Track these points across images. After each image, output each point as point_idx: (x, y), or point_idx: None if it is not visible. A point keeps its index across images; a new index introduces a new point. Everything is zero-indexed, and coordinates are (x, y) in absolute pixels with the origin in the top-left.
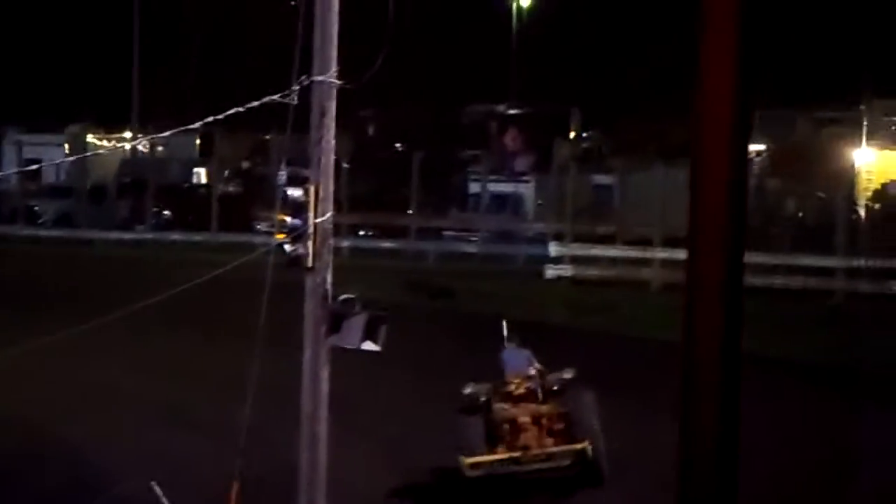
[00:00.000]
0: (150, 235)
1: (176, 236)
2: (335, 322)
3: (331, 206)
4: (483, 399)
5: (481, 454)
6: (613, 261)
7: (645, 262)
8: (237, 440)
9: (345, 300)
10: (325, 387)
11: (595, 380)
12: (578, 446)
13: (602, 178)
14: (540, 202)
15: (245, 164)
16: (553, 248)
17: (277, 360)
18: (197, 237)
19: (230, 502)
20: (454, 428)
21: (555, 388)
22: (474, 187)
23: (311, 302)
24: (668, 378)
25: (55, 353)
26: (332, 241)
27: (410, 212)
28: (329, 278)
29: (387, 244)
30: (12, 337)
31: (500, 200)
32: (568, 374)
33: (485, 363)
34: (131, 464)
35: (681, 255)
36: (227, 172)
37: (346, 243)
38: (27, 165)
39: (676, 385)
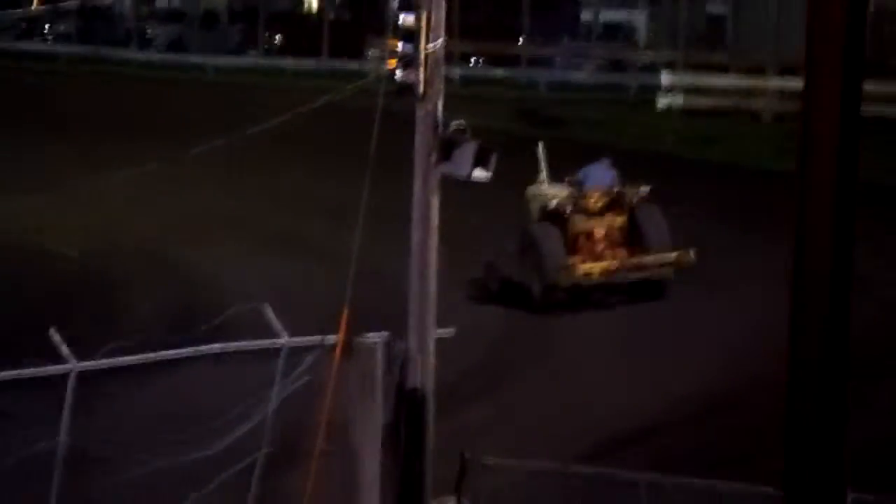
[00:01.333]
0: (261, 61)
1: (287, 63)
2: (445, 150)
3: (442, 33)
4: (567, 210)
5: (562, 262)
6: (725, 90)
7: (758, 92)
8: (348, 267)
9: (456, 128)
10: (434, 215)
11: (703, 208)
12: (674, 255)
13: (716, 7)
14: (652, 31)
15: None
16: (665, 78)
17: (387, 188)
18: (308, 64)
19: (341, 327)
20: (536, 236)
21: (633, 202)
22: (586, 15)
23: (422, 130)
24: (779, 208)
25: (165, 179)
26: (443, 69)
27: (522, 40)
28: (440, 106)
29: (498, 72)
30: (124, 163)
31: (612, 29)
32: (645, 190)
33: None
34: (243, 288)
35: (795, 84)
36: None
37: (457, 71)
38: None
39: (787, 214)
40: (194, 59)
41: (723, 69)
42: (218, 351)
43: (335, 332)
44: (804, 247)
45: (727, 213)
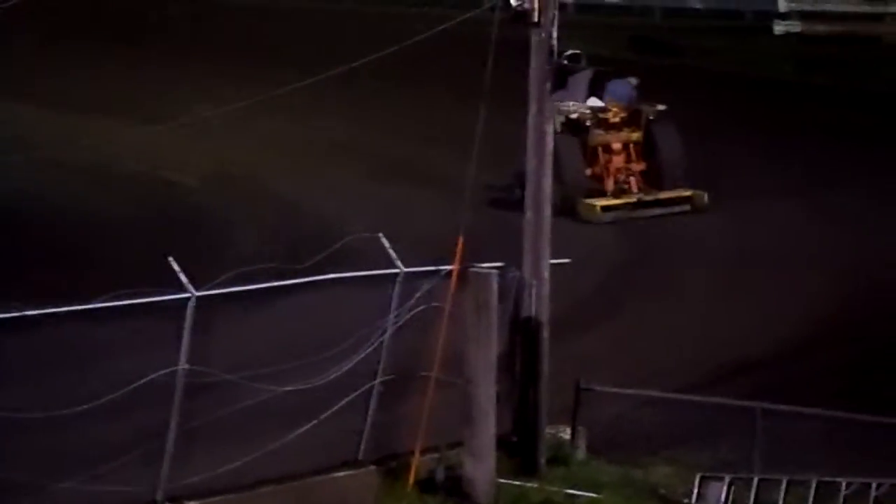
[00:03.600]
0: None
1: None
2: (560, 78)
3: None
4: (586, 122)
5: (579, 174)
6: (843, 16)
7: (877, 17)
8: (461, 195)
9: (570, 56)
10: (549, 143)
11: (820, 132)
12: (690, 193)
13: None
14: None
15: None
16: (782, 3)
17: (501, 116)
18: None
19: (455, 256)
20: (557, 146)
21: (650, 117)
22: None
23: (537, 58)
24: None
25: (278, 108)
26: None
27: None
28: (554, 34)
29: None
30: (236, 93)
31: None
32: (661, 107)
33: (707, 118)
34: (357, 216)
35: None
36: None
37: None
38: None
39: None
40: None
41: None
42: (334, 278)
43: (450, 260)
44: None
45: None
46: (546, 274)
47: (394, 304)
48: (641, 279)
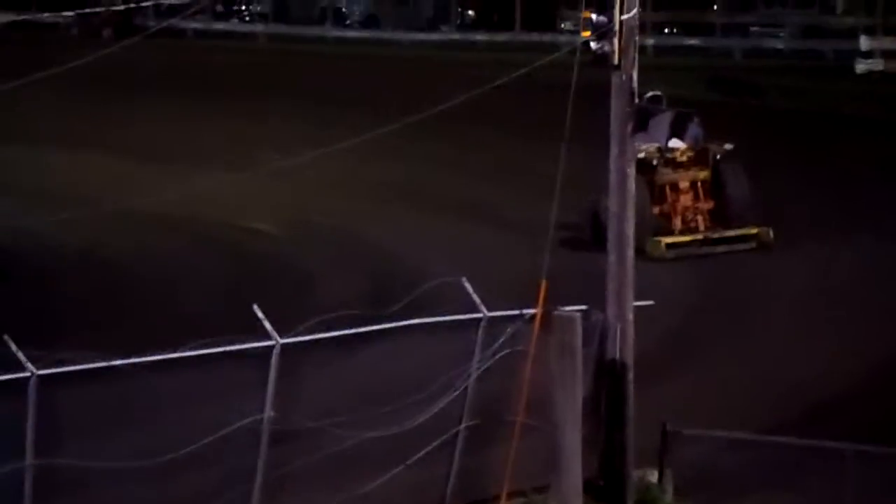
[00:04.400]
0: (454, 36)
1: (480, 36)
2: (642, 120)
3: (637, 2)
4: (654, 161)
5: (645, 212)
6: None
7: None
8: (544, 237)
9: (651, 97)
10: (632, 185)
11: None
12: (755, 231)
13: None
14: None
15: None
16: (864, 42)
17: (583, 158)
18: (501, 37)
19: (540, 300)
20: None
21: (717, 156)
22: None
23: (618, 99)
24: None
25: (359, 153)
26: (637, 39)
27: (716, 7)
28: (635, 76)
29: (692, 41)
30: (318, 138)
31: None
32: (728, 146)
33: (789, 159)
34: (438, 259)
35: None
36: None
37: (650, 41)
38: None
39: None
40: (388, 34)
41: None
42: (418, 324)
43: (532, 303)
44: None
45: None
46: (630, 316)
47: (478, 349)
48: (715, 319)
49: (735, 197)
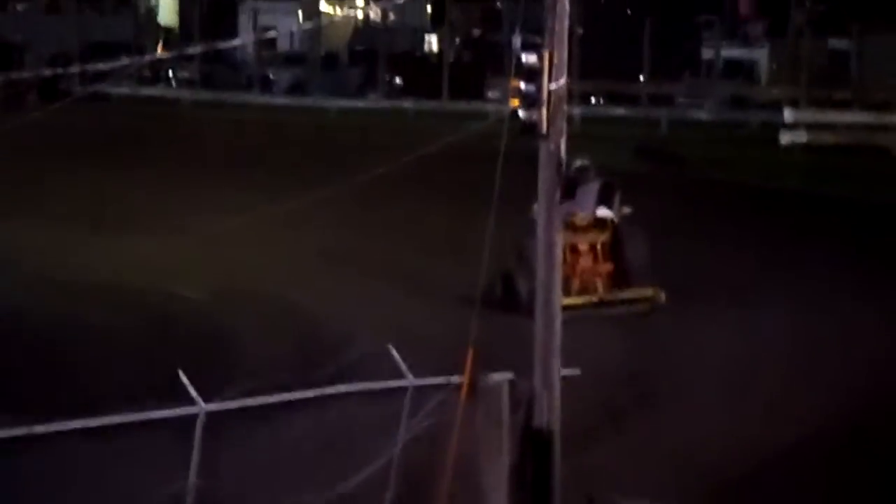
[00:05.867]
0: (382, 103)
1: (407, 104)
2: (569, 189)
3: (565, 72)
4: None
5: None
6: (850, 126)
7: (884, 128)
8: (471, 305)
9: (579, 167)
10: (558, 253)
11: (833, 246)
12: (650, 293)
13: (838, 42)
14: (774, 67)
15: (476, 32)
16: (788, 114)
17: (510, 225)
18: (428, 105)
19: (466, 368)
20: (527, 247)
21: (614, 221)
22: (707, 53)
23: (545, 168)
24: None
25: (286, 221)
26: (565, 108)
27: (642, 78)
28: (563, 145)
29: (619, 111)
30: (245, 203)
31: (733, 66)
32: (627, 210)
33: (707, 227)
34: (366, 328)
35: None
36: (458, 40)
37: (578, 110)
38: (263, 32)
39: None
40: (315, 101)
41: (846, 105)
42: (344, 392)
43: (459, 371)
44: None
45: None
46: (557, 385)
47: (404, 417)
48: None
49: (633, 259)
